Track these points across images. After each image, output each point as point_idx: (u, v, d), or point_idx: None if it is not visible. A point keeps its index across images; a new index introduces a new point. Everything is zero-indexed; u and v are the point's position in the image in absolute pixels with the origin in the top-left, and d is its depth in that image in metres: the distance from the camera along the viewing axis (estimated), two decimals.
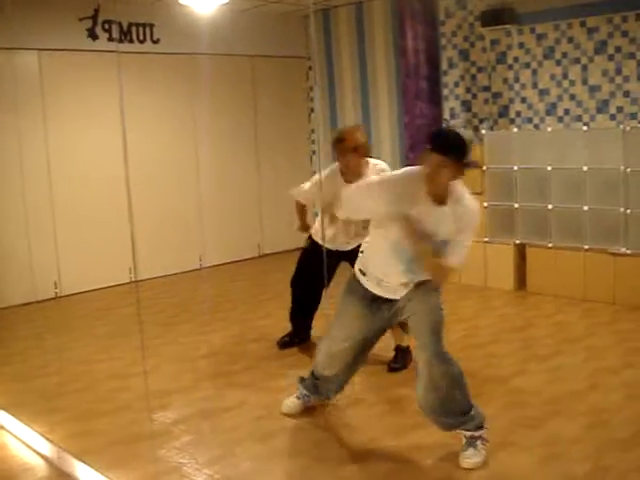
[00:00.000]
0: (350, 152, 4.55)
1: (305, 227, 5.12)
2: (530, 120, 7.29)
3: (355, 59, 8.67)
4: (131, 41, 7.62)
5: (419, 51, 7.07)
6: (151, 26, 7.73)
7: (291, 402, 4.11)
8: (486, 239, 6.75)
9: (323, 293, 5.07)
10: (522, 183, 6.60)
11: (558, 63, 7.01)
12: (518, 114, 7.37)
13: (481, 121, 7.56)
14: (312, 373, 4.00)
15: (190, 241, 8.28)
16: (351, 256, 3.86)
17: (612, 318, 5.75)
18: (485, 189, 6.81)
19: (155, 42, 7.79)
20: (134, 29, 7.62)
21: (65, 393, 4.65)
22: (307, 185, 4.96)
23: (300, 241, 5.27)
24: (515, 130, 6.92)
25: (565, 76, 6.98)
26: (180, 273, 8.11)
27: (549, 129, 6.65)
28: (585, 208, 6.21)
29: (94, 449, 3.78)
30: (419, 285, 3.46)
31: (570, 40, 6.90)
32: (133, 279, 7.61)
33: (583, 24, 6.79)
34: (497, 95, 7.52)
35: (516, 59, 7.32)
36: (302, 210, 5.09)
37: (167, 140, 8.04)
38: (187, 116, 8.17)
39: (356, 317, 3.62)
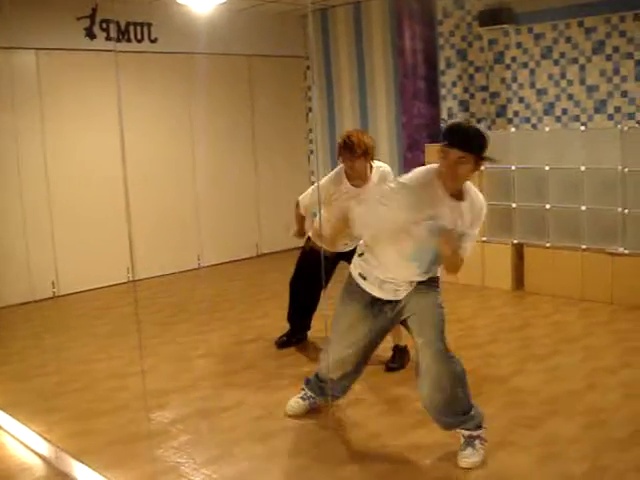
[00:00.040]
0: (358, 157, 4.54)
1: (302, 233, 5.09)
2: (528, 120, 7.30)
3: (353, 59, 8.67)
4: (129, 40, 7.61)
5: (417, 51, 7.09)
6: (149, 25, 7.73)
7: (296, 403, 4.09)
8: (484, 239, 6.75)
9: (322, 294, 5.08)
10: (520, 183, 6.61)
11: (556, 63, 7.02)
12: (516, 114, 7.38)
13: (479, 121, 7.56)
14: (317, 375, 3.99)
15: (188, 241, 8.28)
16: (349, 256, 3.86)
17: (610, 318, 5.76)
18: (483, 189, 6.79)
19: (153, 41, 7.78)
20: (132, 28, 7.61)
21: (63, 393, 4.64)
22: (310, 190, 4.94)
23: (298, 241, 5.27)
24: (513, 130, 6.92)
25: (563, 76, 6.99)
26: (178, 273, 8.10)
27: (547, 129, 6.66)
28: (583, 208, 6.22)
29: (92, 449, 3.78)
30: (420, 284, 3.46)
31: (568, 40, 6.91)
32: (131, 279, 7.61)
33: (581, 24, 6.79)
34: (495, 95, 7.52)
35: (514, 59, 7.32)
36: (301, 215, 5.06)
37: (165, 140, 8.04)
38: (185, 116, 8.17)
39: (359, 323, 3.60)
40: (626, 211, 5.99)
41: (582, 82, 6.86)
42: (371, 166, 4.67)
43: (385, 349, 4.66)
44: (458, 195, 3.28)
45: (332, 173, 4.80)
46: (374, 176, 4.69)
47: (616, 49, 6.60)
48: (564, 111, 7.02)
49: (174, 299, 7.03)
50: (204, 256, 8.40)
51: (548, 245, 6.47)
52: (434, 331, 3.44)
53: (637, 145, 5.91)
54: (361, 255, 3.60)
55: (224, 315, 6.33)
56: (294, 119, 9.23)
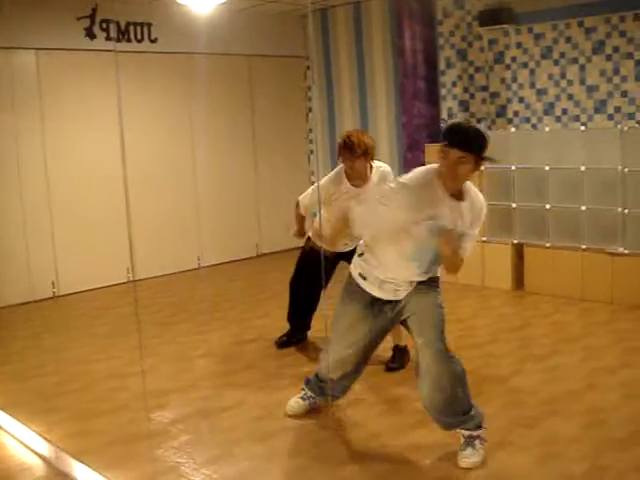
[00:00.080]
0: (358, 157, 4.54)
1: (302, 233, 5.08)
2: (528, 120, 7.30)
3: (353, 59, 8.67)
4: (129, 40, 7.61)
5: (417, 51, 7.09)
6: (149, 25, 7.73)
7: (296, 403, 4.09)
8: (484, 239, 6.75)
9: (322, 294, 5.08)
10: (520, 183, 6.61)
11: (556, 63, 7.02)
12: (516, 114, 7.38)
13: (479, 121, 7.56)
14: (317, 376, 3.99)
15: (188, 241, 8.28)
16: (349, 256, 3.85)
17: (610, 318, 5.76)
18: (483, 189, 6.80)
19: (153, 41, 7.78)
20: (132, 28, 7.61)
21: (63, 393, 4.64)
22: (310, 190, 4.94)
23: (298, 241, 5.27)
24: (513, 130, 6.92)
25: (563, 76, 6.99)
26: (178, 273, 8.10)
27: (547, 129, 6.66)
28: (583, 208, 6.22)
29: (92, 449, 3.78)
30: (420, 284, 3.45)
31: (568, 40, 6.91)
32: (131, 279, 7.61)
33: (581, 24, 6.79)
34: (495, 95, 7.52)
35: (514, 59, 7.32)
36: (301, 216, 5.06)
37: (165, 140, 8.04)
38: (185, 116, 8.17)
39: (359, 323, 3.59)
40: (626, 211, 5.99)
41: (582, 82, 6.86)
42: (371, 166, 4.67)
43: (385, 349, 4.66)
44: (458, 195, 3.28)
45: (332, 173, 4.80)
46: (374, 176, 4.69)
47: (616, 49, 6.60)
48: (564, 111, 7.02)
49: (174, 299, 7.03)
50: (204, 256, 8.40)
51: (548, 245, 6.47)
52: (434, 331, 3.44)
53: (637, 145, 5.91)
54: (361, 255, 3.60)
55: (224, 315, 6.33)
56: (294, 119, 9.24)
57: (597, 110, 6.79)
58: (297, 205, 5.00)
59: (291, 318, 5.35)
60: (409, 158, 7.23)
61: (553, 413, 3.98)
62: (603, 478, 3.29)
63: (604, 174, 6.08)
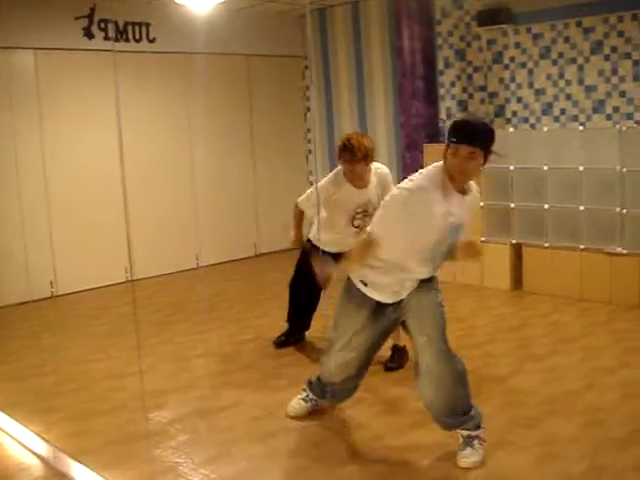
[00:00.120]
0: (358, 161, 4.52)
1: (299, 241, 5.05)
2: (526, 120, 7.30)
3: (351, 58, 8.67)
4: (127, 40, 7.60)
5: (415, 51, 7.09)
6: (147, 25, 7.72)
7: (297, 404, 4.07)
8: (483, 239, 6.75)
9: (322, 294, 5.08)
10: (518, 183, 6.61)
11: (554, 63, 7.02)
12: (514, 114, 7.38)
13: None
14: (319, 378, 3.96)
15: (186, 240, 8.27)
16: None
17: (608, 318, 5.76)
18: (481, 189, 6.78)
19: (151, 41, 7.78)
20: (130, 28, 7.61)
21: (61, 393, 4.64)
22: (309, 191, 4.93)
23: None
24: (511, 130, 6.93)
25: (561, 76, 6.99)
26: (176, 272, 8.10)
27: (545, 129, 6.66)
28: (581, 208, 6.22)
29: (90, 449, 3.77)
30: (421, 283, 3.44)
31: (566, 40, 6.91)
32: (129, 278, 7.61)
33: (579, 24, 6.80)
34: (493, 95, 7.52)
35: (512, 59, 7.32)
36: (300, 219, 5.02)
37: (163, 139, 8.03)
38: (183, 115, 8.16)
39: (362, 328, 3.56)
40: (624, 211, 5.99)
41: (580, 82, 6.86)
42: (370, 168, 4.67)
43: (384, 349, 4.64)
44: (462, 190, 3.28)
45: (331, 175, 4.79)
46: (373, 178, 4.69)
47: (614, 49, 6.60)
48: (562, 111, 7.02)
49: (172, 299, 7.03)
50: (202, 256, 8.39)
51: (547, 245, 6.48)
52: (436, 330, 3.43)
53: (635, 145, 5.91)
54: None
55: (222, 315, 6.32)
56: (292, 119, 9.23)
57: (595, 110, 6.79)
58: (296, 207, 4.99)
59: (291, 318, 5.35)
60: (407, 158, 7.23)
61: (552, 413, 3.98)
62: (602, 478, 3.29)
63: (602, 174, 6.08)
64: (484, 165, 3.22)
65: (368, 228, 3.46)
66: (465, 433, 3.47)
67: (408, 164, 7.09)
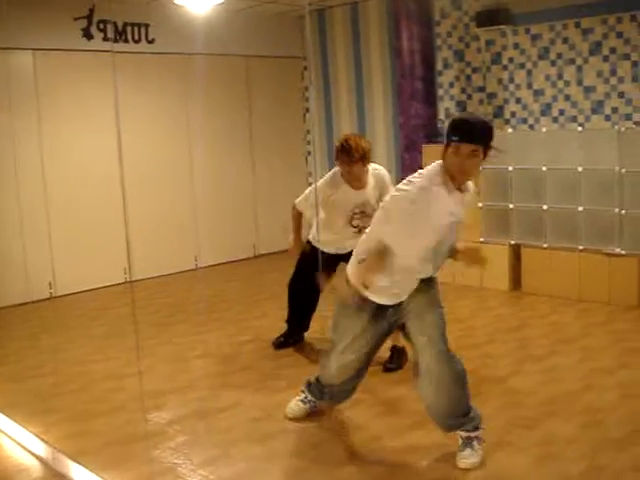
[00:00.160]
0: (356, 162, 4.54)
1: (298, 246, 5.04)
2: (525, 121, 7.30)
3: (350, 59, 8.67)
4: (126, 41, 7.60)
5: (414, 52, 7.09)
6: (146, 26, 7.72)
7: (296, 406, 4.06)
8: (481, 239, 6.76)
9: (320, 295, 5.08)
10: (517, 184, 6.61)
11: (553, 64, 7.02)
12: (513, 114, 7.39)
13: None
14: (318, 380, 3.95)
15: (185, 241, 8.27)
16: (349, 257, 3.83)
17: (607, 318, 5.76)
18: (480, 189, 6.81)
19: (150, 42, 7.77)
20: (129, 29, 7.61)
21: (60, 394, 4.63)
22: (307, 192, 4.93)
23: None
24: (510, 130, 6.93)
25: (560, 77, 6.99)
26: (175, 273, 8.09)
27: (544, 130, 6.66)
28: (580, 209, 6.22)
29: (89, 450, 3.77)
30: (420, 283, 3.44)
31: (565, 41, 6.91)
32: (128, 279, 7.60)
33: (578, 25, 6.80)
34: (492, 95, 7.52)
35: (511, 60, 7.33)
36: (299, 222, 5.02)
37: (162, 140, 8.03)
38: (182, 116, 8.16)
39: (362, 331, 3.55)
40: (623, 212, 6.00)
41: (579, 83, 6.87)
42: (367, 169, 4.69)
43: (383, 350, 4.64)
44: (461, 189, 3.28)
45: (328, 176, 4.80)
46: (370, 179, 4.71)
47: (613, 50, 6.61)
48: (561, 112, 7.02)
49: (171, 300, 7.03)
50: (201, 257, 8.39)
51: (545, 246, 6.48)
52: (436, 330, 3.42)
53: (634, 146, 5.92)
54: (361, 262, 3.53)
55: (221, 316, 6.32)
56: (291, 120, 9.23)
57: (594, 111, 6.80)
58: (294, 208, 4.99)
59: (290, 319, 5.35)
60: (406, 159, 7.23)
61: (551, 413, 3.98)
62: (600, 478, 3.29)
63: (601, 175, 6.09)
64: (483, 160, 3.22)
65: (369, 232, 3.46)
66: (464, 434, 3.47)
67: (407, 165, 7.09)
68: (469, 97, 7.72)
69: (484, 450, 3.49)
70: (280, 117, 9.06)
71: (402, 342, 4.70)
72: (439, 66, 7.77)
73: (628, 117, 6.58)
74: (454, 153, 3.15)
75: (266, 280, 7.63)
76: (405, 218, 3.15)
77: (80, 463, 3.55)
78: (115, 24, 7.50)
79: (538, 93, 7.17)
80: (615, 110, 6.66)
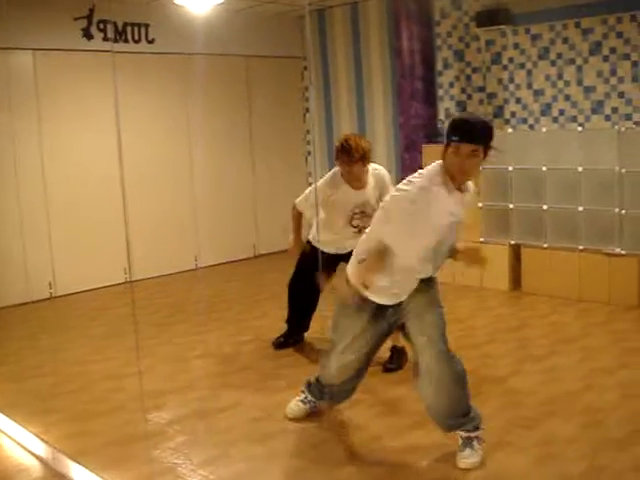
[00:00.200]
0: (356, 162, 4.55)
1: (298, 247, 5.03)
2: (525, 121, 7.30)
3: (350, 59, 8.67)
4: (126, 41, 7.60)
5: (414, 52, 7.09)
6: (146, 26, 7.72)
7: (296, 406, 4.06)
8: (481, 239, 6.76)
9: (320, 295, 5.08)
10: (517, 184, 6.61)
11: (553, 64, 7.02)
12: (513, 114, 7.38)
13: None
14: (318, 380, 3.95)
15: (185, 241, 8.27)
16: (349, 257, 3.82)
17: (607, 318, 5.76)
18: (480, 189, 6.81)
19: (150, 42, 7.77)
20: (129, 29, 7.60)
21: (60, 394, 4.63)
22: (307, 191, 4.93)
23: None
24: (510, 130, 6.93)
25: (560, 77, 6.99)
26: (175, 273, 8.09)
27: (544, 130, 6.66)
28: (580, 209, 6.22)
29: (89, 450, 3.77)
30: (420, 283, 3.43)
31: (565, 41, 6.91)
32: (128, 279, 7.60)
33: (578, 25, 6.80)
34: (492, 95, 7.52)
35: (511, 60, 7.32)
36: (299, 222, 5.02)
37: (162, 140, 8.03)
38: (182, 116, 8.16)
39: (362, 332, 3.54)
40: (623, 212, 6.00)
41: (579, 83, 6.87)
42: (367, 169, 4.69)
43: (383, 350, 4.63)
44: (461, 189, 3.27)
45: (328, 176, 4.81)
46: (370, 179, 4.71)
47: (613, 50, 6.61)
48: (561, 112, 7.02)
49: (171, 300, 7.03)
50: (201, 257, 8.39)
51: (545, 246, 6.48)
52: (436, 331, 3.42)
53: (634, 146, 5.92)
54: (361, 262, 3.49)
55: (221, 316, 6.32)
56: (292, 120, 9.23)
57: (594, 111, 6.80)
58: (294, 208, 4.99)
59: (290, 319, 5.34)
60: (406, 159, 7.23)
61: (551, 413, 3.98)
62: (601, 478, 3.29)
63: (601, 175, 6.09)
64: (483, 160, 3.22)
65: (369, 232, 3.46)
66: (464, 434, 3.47)
67: (407, 165, 7.09)
68: (469, 97, 7.72)
69: (484, 450, 3.48)
70: (280, 117, 9.06)
71: (402, 342, 4.70)
72: (439, 66, 7.77)
73: (628, 117, 6.58)
74: (454, 153, 3.14)
75: (266, 280, 7.63)
76: (405, 218, 3.14)
77: (80, 463, 3.55)
78: (115, 24, 7.50)
79: (538, 93, 7.17)
80: (615, 110, 6.66)
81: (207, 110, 8.27)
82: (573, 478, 3.29)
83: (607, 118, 6.72)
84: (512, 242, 6.70)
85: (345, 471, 3.47)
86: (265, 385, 4.61)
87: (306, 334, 5.38)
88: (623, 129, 6.06)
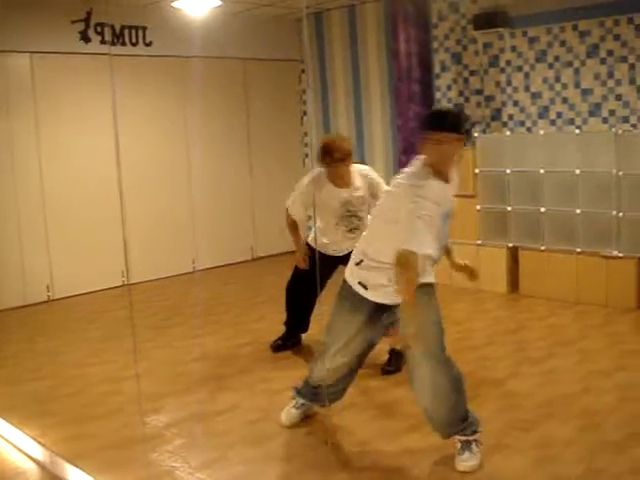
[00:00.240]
0: (339, 162, 4.64)
1: (305, 254, 4.98)
2: (522, 123, 7.31)
3: (348, 62, 8.67)
4: (124, 44, 7.60)
5: (412, 54, 7.08)
6: (144, 29, 7.72)
7: (289, 413, 4.04)
8: (479, 242, 6.76)
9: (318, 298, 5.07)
10: (515, 186, 6.62)
11: (550, 66, 7.03)
12: (510, 117, 7.39)
13: (473, 124, 7.57)
14: (307, 382, 3.94)
15: (183, 244, 8.26)
16: (347, 259, 3.83)
17: (605, 321, 5.77)
18: (478, 192, 6.82)
19: (148, 45, 7.77)
20: (127, 32, 7.60)
21: (57, 397, 4.63)
22: (297, 193, 4.94)
23: (292, 244, 5.24)
24: (508, 133, 6.93)
25: (557, 79, 7.00)
26: (173, 276, 8.09)
27: (541, 132, 6.67)
28: (577, 211, 6.23)
29: (86, 453, 3.76)
30: (418, 288, 3.42)
31: (562, 43, 6.92)
32: (126, 282, 7.60)
33: (575, 27, 6.81)
34: (489, 98, 7.53)
35: (508, 62, 7.33)
36: (297, 233, 5.03)
37: (160, 143, 8.03)
38: (180, 119, 8.16)
39: (357, 333, 3.55)
40: (620, 214, 6.00)
41: (577, 85, 6.87)
42: (350, 169, 4.75)
43: (381, 352, 4.66)
44: (446, 179, 3.32)
45: (309, 176, 4.89)
46: (358, 179, 4.78)
47: (610, 53, 6.62)
48: (559, 114, 7.03)
49: (169, 303, 7.02)
50: (199, 259, 8.39)
51: (543, 248, 6.48)
52: (436, 331, 3.42)
53: (631, 148, 5.93)
54: (359, 263, 3.50)
55: (219, 319, 6.32)
56: (289, 122, 9.24)
57: (592, 113, 6.80)
58: (288, 216, 4.99)
59: (288, 322, 5.34)
60: (404, 161, 7.21)
61: (548, 416, 3.98)
62: None
63: (599, 177, 6.09)
64: (458, 147, 3.27)
65: (369, 232, 3.48)
66: (463, 438, 3.47)
67: (405, 167, 7.08)
68: (467, 100, 7.73)
69: (482, 452, 3.48)
70: (278, 120, 9.06)
71: (400, 345, 4.70)
72: (436, 69, 7.77)
73: (625, 120, 6.59)
74: (427, 144, 3.23)
75: (264, 283, 7.63)
76: (414, 215, 3.12)
77: (77, 466, 3.54)
78: (112, 27, 7.50)
79: (536, 96, 7.17)
80: (612, 113, 6.67)
81: (205, 113, 8.27)
82: None
83: (604, 121, 6.72)
84: (510, 244, 6.71)
85: (341, 474, 3.47)
86: (263, 388, 4.61)
87: (304, 337, 5.37)
88: (620, 132, 6.07)
